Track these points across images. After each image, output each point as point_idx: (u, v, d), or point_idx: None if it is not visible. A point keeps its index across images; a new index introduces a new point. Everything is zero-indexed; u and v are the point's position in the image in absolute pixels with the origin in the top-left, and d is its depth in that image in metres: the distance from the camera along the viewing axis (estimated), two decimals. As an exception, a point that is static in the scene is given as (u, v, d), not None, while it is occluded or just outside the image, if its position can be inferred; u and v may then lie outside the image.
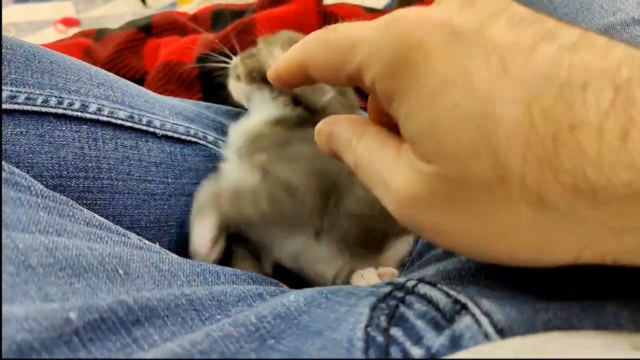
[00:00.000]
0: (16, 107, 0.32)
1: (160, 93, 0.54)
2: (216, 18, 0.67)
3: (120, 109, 0.36)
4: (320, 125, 0.25)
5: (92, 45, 0.59)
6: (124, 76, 0.57)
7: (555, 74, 0.16)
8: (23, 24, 1.86)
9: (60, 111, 0.33)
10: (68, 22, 1.85)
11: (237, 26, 0.58)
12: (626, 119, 0.15)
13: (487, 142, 0.17)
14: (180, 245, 0.38)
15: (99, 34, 0.65)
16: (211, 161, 0.41)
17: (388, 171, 0.21)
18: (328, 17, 0.64)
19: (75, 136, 0.34)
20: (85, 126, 0.34)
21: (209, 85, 0.56)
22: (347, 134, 0.24)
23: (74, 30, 1.83)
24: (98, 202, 0.34)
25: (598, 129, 0.15)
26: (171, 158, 0.38)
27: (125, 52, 0.59)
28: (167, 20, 0.66)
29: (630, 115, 0.15)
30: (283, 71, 0.25)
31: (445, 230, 0.20)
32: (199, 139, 0.41)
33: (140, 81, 0.58)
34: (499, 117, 0.17)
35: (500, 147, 0.17)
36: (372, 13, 0.72)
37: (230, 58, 0.46)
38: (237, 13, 0.66)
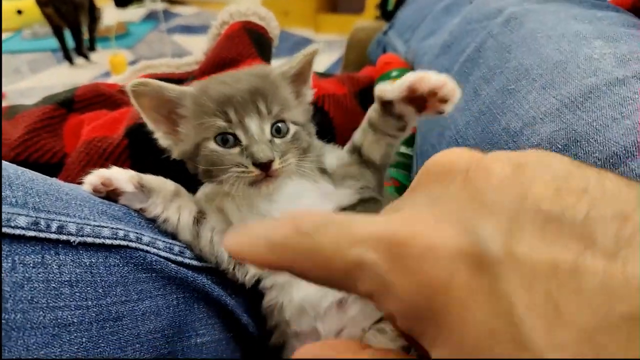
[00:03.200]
0: None
1: (80, 179, 0.45)
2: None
3: (20, 214, 0.27)
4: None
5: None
6: (37, 160, 0.48)
7: (614, 311, 0.13)
8: (-62, 98, 1.71)
9: None
10: (-10, 95, 1.73)
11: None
12: None
13: None
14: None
15: (11, 111, 0.55)
16: (145, 270, 0.32)
17: None
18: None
19: (-48, 258, 0.24)
20: None
21: (141, 163, 0.47)
22: None
23: (-4, 103, 1.71)
24: (-15, 346, 0.24)
25: None
26: (91, 273, 0.29)
27: (40, 131, 0.50)
28: (92, 92, 0.57)
29: None
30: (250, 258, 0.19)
31: None
32: (130, 241, 0.32)
33: (58, 165, 0.48)
34: None
35: None
36: (324, 77, 0.67)
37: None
38: (175, 82, 0.59)
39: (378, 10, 1.47)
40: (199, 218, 0.38)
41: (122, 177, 0.36)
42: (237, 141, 0.37)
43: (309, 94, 0.44)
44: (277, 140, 0.38)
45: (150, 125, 0.40)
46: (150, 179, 0.37)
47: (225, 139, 0.37)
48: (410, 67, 0.67)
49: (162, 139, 0.40)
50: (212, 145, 0.37)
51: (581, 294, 0.14)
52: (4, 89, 1.85)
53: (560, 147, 0.36)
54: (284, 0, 2.55)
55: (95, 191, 0.35)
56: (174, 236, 0.37)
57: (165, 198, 0.37)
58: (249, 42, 0.55)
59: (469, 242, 0.16)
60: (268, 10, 0.63)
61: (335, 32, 2.44)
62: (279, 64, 0.43)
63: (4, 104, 1.67)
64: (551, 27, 0.45)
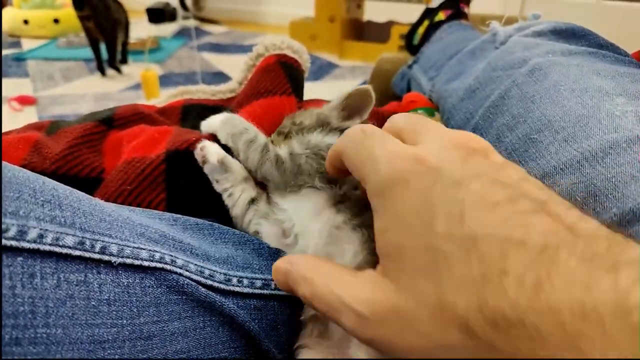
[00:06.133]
0: None
1: (117, 197, 0.47)
2: (187, 112, 0.63)
3: (68, 234, 0.30)
4: (277, 263, 0.30)
5: (42, 140, 0.53)
6: (77, 174, 0.51)
7: (501, 231, 0.20)
8: (-26, 101, 1.78)
9: None
10: (24, 100, 1.78)
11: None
12: (543, 273, 0.18)
13: (436, 272, 0.21)
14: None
15: (53, 127, 0.58)
16: (177, 292, 0.34)
17: (348, 293, 0.25)
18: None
19: (6, 272, 0.26)
20: (21, 258, 0.27)
21: (174, 188, 0.50)
22: (302, 271, 0.28)
23: (29, 109, 1.76)
24: (28, 356, 0.26)
25: (520, 277, 0.19)
26: (128, 293, 0.31)
27: (82, 146, 0.53)
28: (131, 111, 0.60)
29: (549, 272, 0.18)
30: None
31: (396, 345, 0.23)
32: (165, 263, 0.34)
33: (97, 180, 0.51)
34: (447, 255, 0.21)
35: (443, 278, 0.21)
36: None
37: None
38: (210, 109, 0.61)
39: (403, 40, 1.50)
40: (253, 201, 0.48)
41: (212, 150, 0.49)
42: None
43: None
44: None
45: None
46: (231, 161, 0.49)
47: None
48: (434, 106, 0.69)
49: None
50: None
51: (483, 220, 0.21)
52: (37, 94, 1.91)
53: (579, 199, 0.37)
54: (312, 26, 2.61)
55: (196, 152, 0.49)
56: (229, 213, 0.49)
57: (236, 179, 0.49)
58: (284, 78, 0.58)
59: (439, 165, 0.24)
60: (301, 44, 0.66)
61: (359, 58, 2.48)
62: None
63: (35, 110, 1.71)
64: (574, 80, 0.47)
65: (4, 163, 0.31)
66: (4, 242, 0.27)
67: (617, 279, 0.17)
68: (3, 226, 0.27)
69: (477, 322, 0.19)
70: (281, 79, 0.57)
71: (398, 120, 0.30)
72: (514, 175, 0.23)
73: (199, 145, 0.49)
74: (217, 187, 0.49)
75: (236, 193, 0.49)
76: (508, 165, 0.24)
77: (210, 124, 0.53)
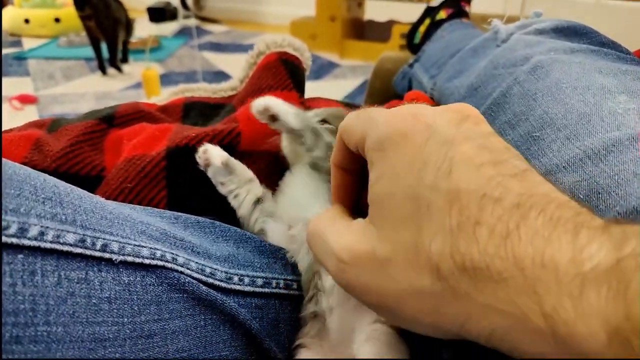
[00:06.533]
0: None
1: (117, 195, 0.47)
2: (188, 110, 0.63)
3: (69, 231, 0.29)
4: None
5: (43, 138, 0.52)
6: (77, 172, 0.51)
7: (482, 188, 0.22)
8: (-25, 100, 1.78)
9: None
10: (24, 99, 1.78)
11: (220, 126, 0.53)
12: (512, 225, 0.20)
13: (418, 220, 0.23)
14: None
15: (54, 125, 0.58)
16: (178, 290, 0.34)
17: (335, 240, 0.27)
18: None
19: (7, 269, 0.26)
20: (22, 256, 0.27)
21: (175, 185, 0.50)
22: (310, 225, 0.30)
23: (30, 108, 1.76)
24: (28, 355, 0.26)
25: (491, 228, 0.21)
26: (129, 291, 0.31)
27: (83, 144, 0.53)
28: (132, 109, 0.60)
29: (518, 225, 0.20)
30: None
31: (370, 289, 0.25)
32: (167, 261, 0.34)
33: (97, 178, 0.51)
34: (430, 204, 0.23)
35: (423, 225, 0.23)
36: (351, 108, 0.69)
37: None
38: (212, 107, 0.61)
39: (404, 39, 1.49)
40: (258, 200, 0.49)
41: (215, 153, 0.48)
42: None
43: None
44: None
45: None
46: (235, 163, 0.49)
47: None
48: (436, 104, 0.69)
49: None
50: None
51: (468, 178, 0.22)
52: (37, 93, 1.91)
53: (582, 197, 0.37)
54: (313, 25, 2.61)
55: (198, 155, 0.49)
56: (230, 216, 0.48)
57: (241, 181, 0.49)
58: (286, 75, 0.58)
59: (434, 125, 0.25)
60: (302, 42, 0.66)
61: (359, 58, 2.48)
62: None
63: (36, 108, 1.71)
64: (576, 78, 0.46)
65: (4, 160, 0.31)
66: (4, 239, 0.27)
67: (576, 237, 0.19)
68: (4, 223, 0.27)
69: (447, 266, 0.21)
70: (282, 76, 0.57)
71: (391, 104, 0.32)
72: (499, 144, 0.25)
73: (200, 149, 0.48)
74: (222, 190, 0.49)
75: (242, 194, 0.48)
76: (494, 135, 0.26)
77: (284, 105, 0.50)
